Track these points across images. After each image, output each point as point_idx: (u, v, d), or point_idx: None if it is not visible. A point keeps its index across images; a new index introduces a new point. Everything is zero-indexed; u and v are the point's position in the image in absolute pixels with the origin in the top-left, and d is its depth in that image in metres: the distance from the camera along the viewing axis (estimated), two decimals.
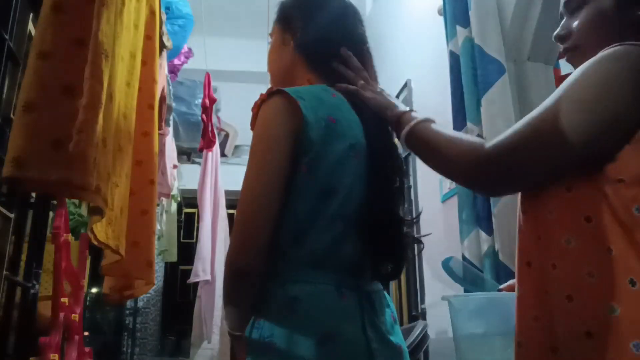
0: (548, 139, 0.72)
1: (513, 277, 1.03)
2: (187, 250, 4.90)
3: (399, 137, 0.90)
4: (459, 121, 2.07)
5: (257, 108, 0.88)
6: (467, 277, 0.90)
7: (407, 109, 0.92)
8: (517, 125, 0.76)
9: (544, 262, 0.76)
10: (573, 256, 0.72)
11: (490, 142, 0.76)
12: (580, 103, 0.71)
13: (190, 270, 3.25)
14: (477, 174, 0.78)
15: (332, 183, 0.84)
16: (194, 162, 4.68)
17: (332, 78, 0.95)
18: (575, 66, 0.86)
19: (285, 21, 1.03)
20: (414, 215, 1.01)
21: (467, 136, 0.85)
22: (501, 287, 1.01)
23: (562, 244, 0.73)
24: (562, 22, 0.89)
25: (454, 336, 0.85)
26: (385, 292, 0.94)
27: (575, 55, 0.86)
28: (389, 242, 0.90)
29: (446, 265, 0.92)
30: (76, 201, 2.39)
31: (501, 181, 0.78)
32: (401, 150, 0.97)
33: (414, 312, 2.80)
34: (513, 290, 0.95)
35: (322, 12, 1.00)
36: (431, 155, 0.86)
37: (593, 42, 0.82)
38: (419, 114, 0.91)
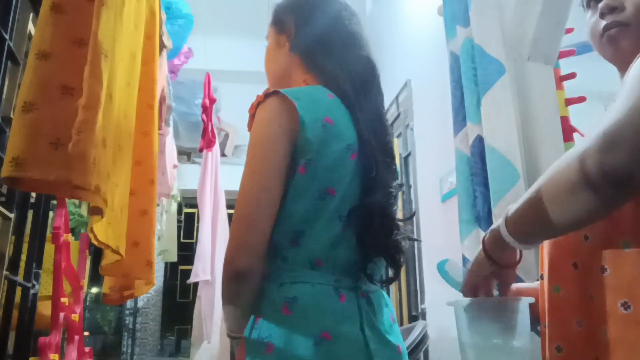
0: None
1: None
2: (187, 250, 4.90)
3: (504, 245, 0.75)
4: (459, 121, 2.07)
5: (253, 109, 0.89)
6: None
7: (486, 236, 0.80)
8: (621, 108, 0.61)
9: (594, 264, 0.72)
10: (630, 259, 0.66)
11: (597, 132, 0.61)
12: None
13: (190, 270, 3.25)
14: (611, 159, 0.58)
15: (330, 184, 0.85)
16: (194, 162, 4.68)
17: (328, 78, 0.95)
18: (617, 44, 0.79)
19: (279, 24, 1.04)
20: (413, 216, 1.01)
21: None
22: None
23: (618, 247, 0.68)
24: None
25: (459, 342, 0.84)
26: (384, 292, 0.94)
27: (626, 32, 0.77)
28: (381, 243, 0.90)
29: (441, 268, 0.91)
30: (76, 201, 2.39)
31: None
32: (401, 151, 0.96)
33: (414, 312, 2.79)
34: (517, 294, 0.93)
35: (316, 14, 1.00)
36: (543, 207, 0.66)
37: None
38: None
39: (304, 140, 0.84)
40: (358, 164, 0.89)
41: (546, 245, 0.83)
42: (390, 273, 0.96)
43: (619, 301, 0.67)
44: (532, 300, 0.82)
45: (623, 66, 0.78)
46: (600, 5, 0.81)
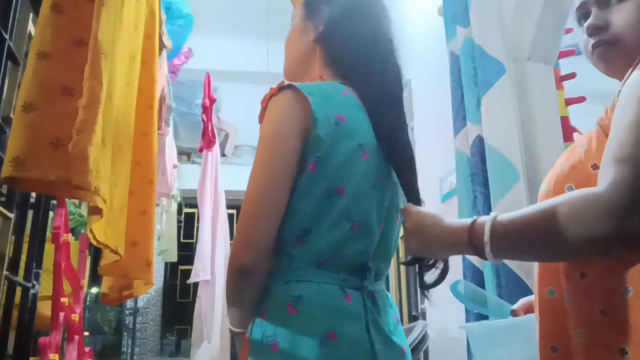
0: None
1: (512, 276, 1.02)
2: (187, 250, 4.89)
3: (481, 253, 0.71)
4: (459, 121, 2.07)
5: (266, 101, 0.86)
6: (476, 299, 0.89)
7: (468, 221, 0.74)
8: (623, 147, 0.61)
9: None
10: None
11: (605, 181, 0.60)
12: None
13: (190, 270, 3.25)
14: (624, 212, 0.57)
15: (339, 182, 0.83)
16: (194, 162, 4.68)
17: (347, 77, 0.92)
18: (608, 61, 0.81)
19: (311, 9, 0.99)
20: None
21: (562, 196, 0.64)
22: (514, 307, 0.95)
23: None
24: (594, 12, 0.82)
25: None
26: (388, 293, 0.94)
27: (613, 50, 0.79)
28: (391, 241, 0.90)
29: (454, 289, 0.91)
30: (76, 201, 2.39)
31: None
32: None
33: (414, 312, 2.80)
34: (528, 312, 0.92)
35: (353, 11, 0.95)
36: (537, 237, 0.65)
37: (637, 38, 0.76)
38: (481, 217, 0.72)
39: (316, 137, 0.81)
40: (372, 163, 0.86)
41: None
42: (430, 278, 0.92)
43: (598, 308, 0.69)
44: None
45: (618, 77, 0.79)
46: (585, 25, 0.82)
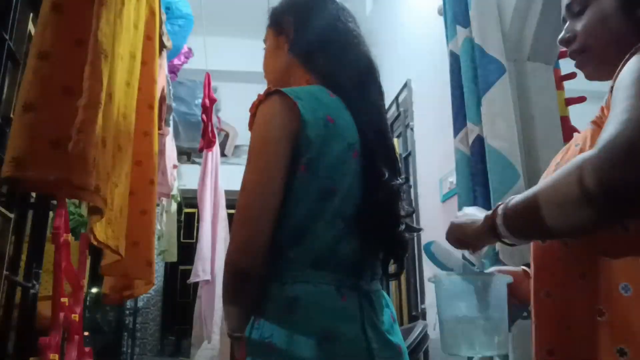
0: None
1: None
2: (187, 250, 4.89)
3: (499, 236, 0.74)
4: (459, 121, 2.07)
5: (254, 108, 0.88)
6: (450, 262, 0.90)
7: (489, 213, 0.77)
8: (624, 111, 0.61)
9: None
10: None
11: (598, 145, 0.60)
12: None
13: (190, 270, 3.25)
14: (617, 172, 0.56)
15: (332, 183, 0.84)
16: (194, 162, 4.68)
17: (328, 78, 0.95)
18: (583, 68, 0.85)
19: (278, 25, 1.03)
20: (413, 217, 1.01)
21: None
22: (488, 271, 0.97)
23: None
24: (566, 25, 0.88)
25: (439, 318, 0.85)
26: (384, 292, 0.94)
27: (584, 58, 0.84)
28: (386, 241, 0.90)
29: (428, 249, 0.92)
30: (76, 201, 2.39)
31: None
32: (400, 151, 0.97)
33: (414, 312, 2.79)
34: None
35: (314, 15, 0.99)
36: (539, 211, 0.65)
37: (601, 43, 0.80)
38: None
39: (306, 139, 0.83)
40: (360, 163, 0.88)
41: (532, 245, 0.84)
42: (393, 269, 0.96)
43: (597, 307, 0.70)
44: (509, 279, 0.85)
45: (603, 78, 0.82)
46: (558, 40, 0.88)
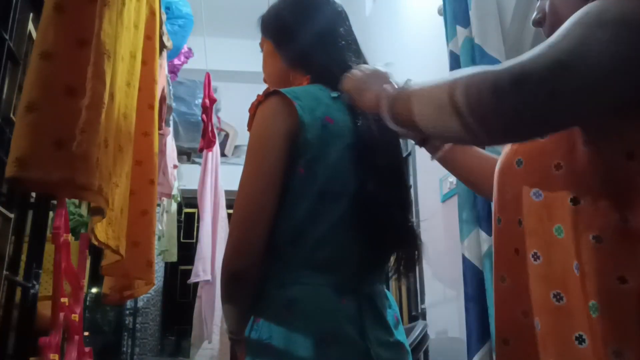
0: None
1: None
2: (187, 250, 4.90)
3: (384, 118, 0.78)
4: None
5: (254, 109, 0.88)
6: None
7: (384, 90, 0.80)
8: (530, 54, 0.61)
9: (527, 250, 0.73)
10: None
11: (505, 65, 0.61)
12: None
13: (190, 270, 3.25)
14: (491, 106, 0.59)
15: (331, 184, 0.84)
16: (194, 162, 4.68)
17: (326, 79, 0.94)
18: None
19: (269, 32, 1.03)
20: (414, 216, 1.00)
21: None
22: None
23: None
24: (537, 5, 0.86)
25: None
26: (388, 292, 0.93)
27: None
28: (389, 242, 0.90)
29: None
30: (76, 201, 2.39)
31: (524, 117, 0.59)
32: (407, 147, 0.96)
33: (414, 312, 2.80)
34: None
35: (306, 17, 0.99)
36: (427, 104, 0.70)
37: (564, 18, 0.79)
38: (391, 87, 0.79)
39: (304, 141, 0.83)
40: (360, 163, 0.88)
41: (493, 234, 0.83)
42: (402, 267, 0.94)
43: (551, 292, 0.68)
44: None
45: None
46: (531, 21, 0.89)
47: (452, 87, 0.64)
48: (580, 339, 0.65)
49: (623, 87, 0.60)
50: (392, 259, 0.93)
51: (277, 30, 1.01)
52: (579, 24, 0.62)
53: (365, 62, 1.00)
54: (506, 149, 0.83)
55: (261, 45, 1.07)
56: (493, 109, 0.60)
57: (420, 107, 0.70)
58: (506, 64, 0.61)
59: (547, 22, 0.83)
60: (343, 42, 0.98)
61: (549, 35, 0.81)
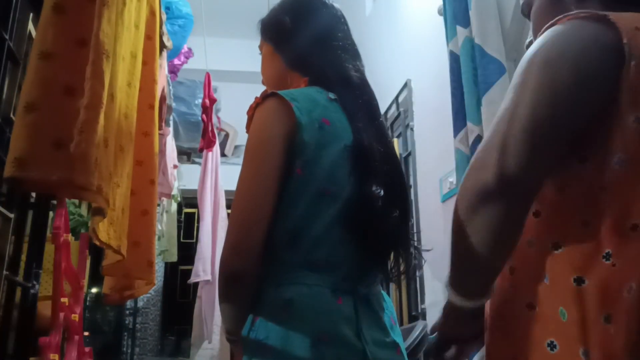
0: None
1: None
2: (187, 250, 4.90)
3: (456, 307, 0.74)
4: (459, 121, 2.07)
5: (252, 111, 0.89)
6: None
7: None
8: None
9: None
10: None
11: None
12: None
13: (190, 270, 3.25)
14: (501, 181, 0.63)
15: (328, 185, 0.84)
16: (194, 162, 4.68)
17: (323, 81, 0.95)
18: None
19: (268, 35, 1.04)
20: (414, 216, 1.00)
21: None
22: None
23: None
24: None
25: None
26: (384, 293, 0.94)
27: (535, 27, 0.84)
28: (387, 243, 0.90)
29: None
30: (76, 201, 2.39)
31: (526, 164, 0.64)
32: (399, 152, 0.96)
33: (414, 312, 2.80)
34: None
35: (305, 20, 1.00)
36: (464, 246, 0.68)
37: (541, 13, 0.81)
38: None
39: (301, 142, 0.84)
40: (356, 165, 0.88)
41: None
42: (398, 268, 0.94)
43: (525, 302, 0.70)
44: None
45: None
46: (520, 11, 0.89)
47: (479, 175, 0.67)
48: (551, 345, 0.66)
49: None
50: (391, 260, 0.93)
51: (276, 33, 1.02)
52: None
53: (362, 65, 1.02)
54: None
55: (260, 47, 1.07)
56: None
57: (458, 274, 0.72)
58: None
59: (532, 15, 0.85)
60: (341, 45, 0.99)
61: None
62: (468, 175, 0.68)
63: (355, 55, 1.01)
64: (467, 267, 0.71)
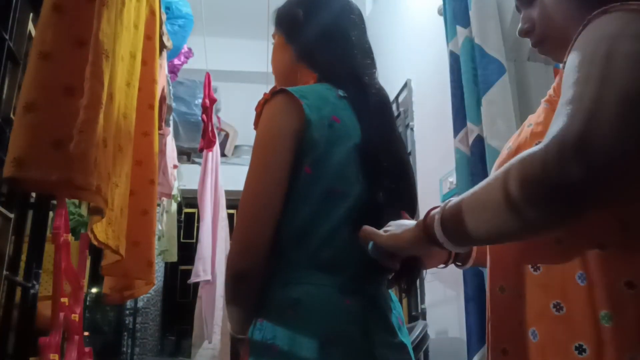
0: None
1: None
2: (187, 250, 4.89)
3: (436, 242, 0.66)
4: (459, 121, 2.07)
5: (260, 107, 0.87)
6: None
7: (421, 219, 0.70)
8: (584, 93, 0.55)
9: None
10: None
11: (555, 132, 0.54)
12: None
13: (190, 270, 3.25)
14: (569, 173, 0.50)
15: (337, 184, 0.83)
16: (194, 162, 4.68)
17: (333, 78, 0.94)
18: (550, 54, 0.82)
19: (281, 25, 1.03)
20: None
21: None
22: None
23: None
24: (522, 15, 0.83)
25: None
26: (392, 293, 0.93)
27: (547, 46, 0.81)
28: None
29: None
30: (76, 201, 2.39)
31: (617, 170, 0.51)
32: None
33: (414, 312, 2.80)
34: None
35: (319, 14, 0.99)
36: (485, 208, 0.59)
37: (558, 27, 0.77)
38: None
39: (310, 140, 0.82)
40: (365, 163, 0.87)
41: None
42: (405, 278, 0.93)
43: (552, 302, 0.66)
44: None
45: None
46: (517, 31, 0.84)
47: (505, 180, 0.56)
48: (580, 349, 0.63)
49: None
50: None
51: (288, 24, 1.01)
52: (598, 54, 0.58)
53: (375, 67, 1.00)
54: (507, 147, 0.81)
55: (273, 36, 1.06)
56: (555, 189, 0.52)
57: (472, 215, 0.60)
58: (548, 136, 0.54)
59: (538, 31, 0.80)
60: (353, 43, 0.97)
61: (537, 44, 0.82)
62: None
63: (367, 54, 0.99)
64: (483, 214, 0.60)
